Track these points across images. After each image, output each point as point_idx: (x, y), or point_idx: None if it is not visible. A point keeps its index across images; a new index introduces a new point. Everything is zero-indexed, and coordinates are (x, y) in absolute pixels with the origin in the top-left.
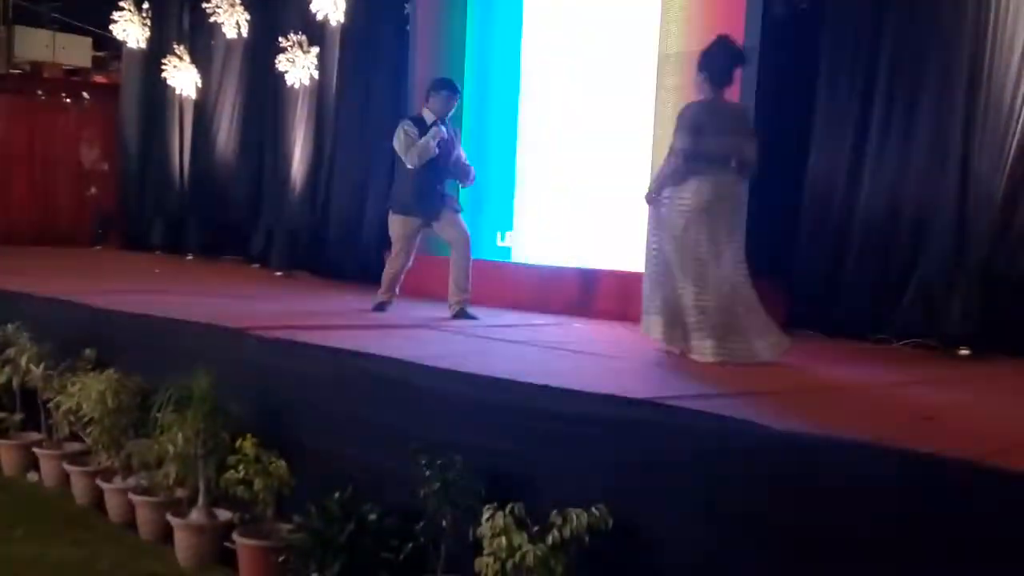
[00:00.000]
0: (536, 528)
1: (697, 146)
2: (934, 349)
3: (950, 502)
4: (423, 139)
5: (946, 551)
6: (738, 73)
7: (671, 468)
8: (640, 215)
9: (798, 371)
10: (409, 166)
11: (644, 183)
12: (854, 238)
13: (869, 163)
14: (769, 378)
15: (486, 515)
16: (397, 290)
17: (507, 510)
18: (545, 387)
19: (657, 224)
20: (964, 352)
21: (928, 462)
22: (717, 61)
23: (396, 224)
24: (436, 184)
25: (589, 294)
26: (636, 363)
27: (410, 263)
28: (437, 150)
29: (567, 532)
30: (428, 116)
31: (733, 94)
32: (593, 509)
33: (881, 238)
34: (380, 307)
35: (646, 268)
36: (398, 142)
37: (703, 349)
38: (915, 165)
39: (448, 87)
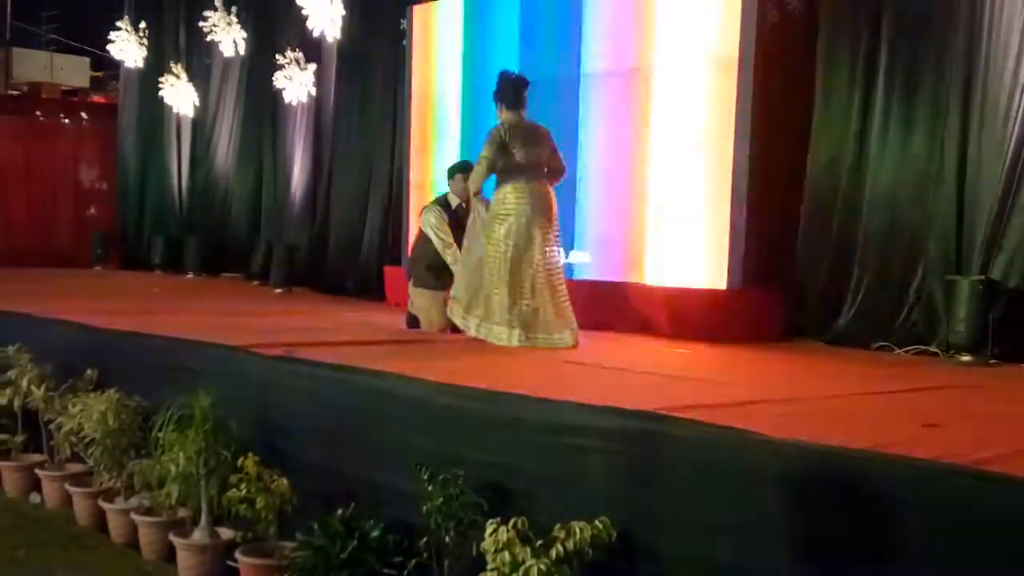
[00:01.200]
0: (539, 542)
1: (507, 160)
2: (936, 356)
3: (955, 509)
4: (452, 254)
5: (951, 559)
6: (526, 93)
7: (674, 480)
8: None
9: (801, 380)
10: (440, 250)
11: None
12: (854, 246)
13: (868, 171)
14: (771, 388)
15: (489, 529)
16: None
17: (510, 524)
18: (546, 400)
19: (479, 227)
20: (966, 359)
21: (932, 470)
22: (506, 90)
23: (419, 296)
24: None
25: (583, 306)
26: (633, 374)
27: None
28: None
29: (571, 545)
30: (453, 200)
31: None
32: (596, 522)
33: (881, 246)
34: (412, 323)
35: (461, 261)
36: (431, 231)
37: (509, 337)
38: (913, 172)
39: (462, 170)
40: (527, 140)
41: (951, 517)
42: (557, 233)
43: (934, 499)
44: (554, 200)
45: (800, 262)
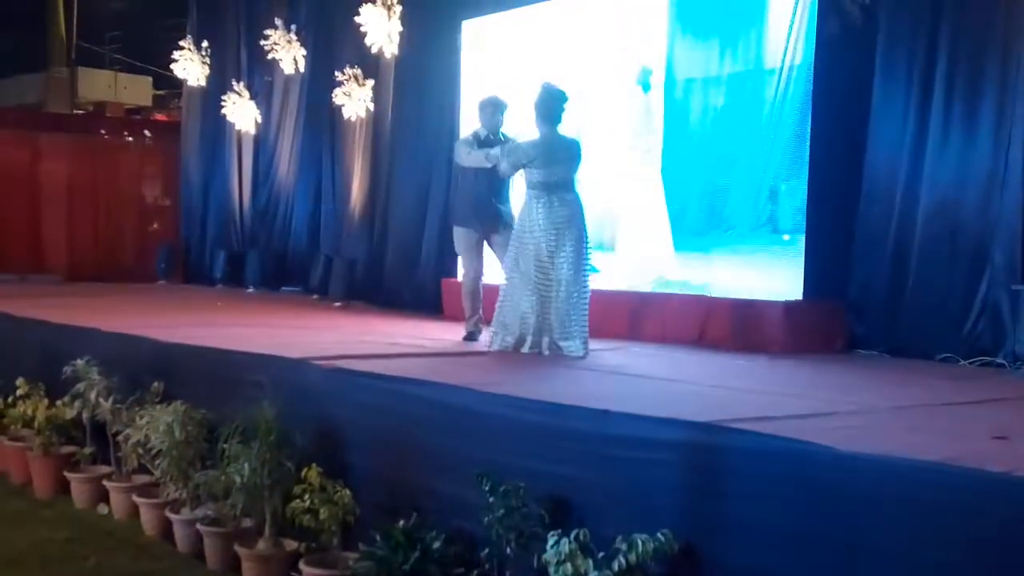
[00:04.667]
0: (601, 555)
1: (532, 175)
2: (1002, 367)
3: None
4: (480, 151)
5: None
6: (563, 109)
7: (736, 492)
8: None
9: (865, 392)
10: (461, 163)
11: None
12: (915, 255)
13: (927, 177)
14: (835, 400)
15: (551, 541)
16: (481, 311)
17: (572, 536)
18: (606, 412)
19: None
20: None
21: (1002, 482)
22: (543, 105)
23: (458, 236)
24: (491, 197)
25: (641, 318)
26: (695, 386)
27: (483, 275)
28: (488, 164)
29: (633, 558)
30: (481, 132)
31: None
32: (659, 534)
33: (943, 253)
34: (471, 336)
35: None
36: (456, 155)
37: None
38: (976, 177)
39: (490, 103)
40: (550, 158)
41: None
42: (583, 244)
43: (1005, 512)
44: (579, 213)
45: (860, 272)
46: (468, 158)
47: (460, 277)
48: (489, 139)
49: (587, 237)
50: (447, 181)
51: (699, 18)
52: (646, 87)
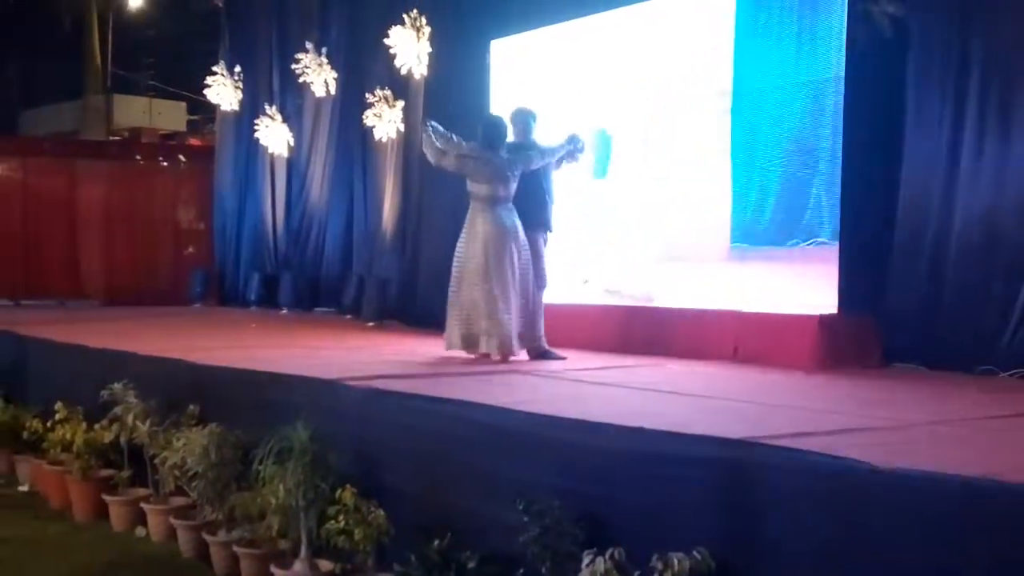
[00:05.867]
0: (637, 573)
1: (472, 188)
2: None
3: None
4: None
5: None
6: (504, 137)
7: (772, 509)
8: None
9: (903, 406)
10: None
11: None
12: (951, 265)
13: (963, 187)
14: (873, 415)
15: (586, 560)
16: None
17: (607, 555)
18: (641, 429)
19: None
20: None
21: None
22: (486, 132)
23: (542, 242)
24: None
25: (674, 333)
26: (730, 402)
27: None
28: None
29: None
30: (514, 142)
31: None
32: (695, 553)
33: (980, 263)
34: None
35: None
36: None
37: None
38: (1012, 184)
39: (520, 113)
40: (491, 175)
41: None
42: (513, 254)
43: None
44: (509, 226)
45: (895, 284)
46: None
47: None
48: (521, 146)
49: (518, 250)
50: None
51: (716, 32)
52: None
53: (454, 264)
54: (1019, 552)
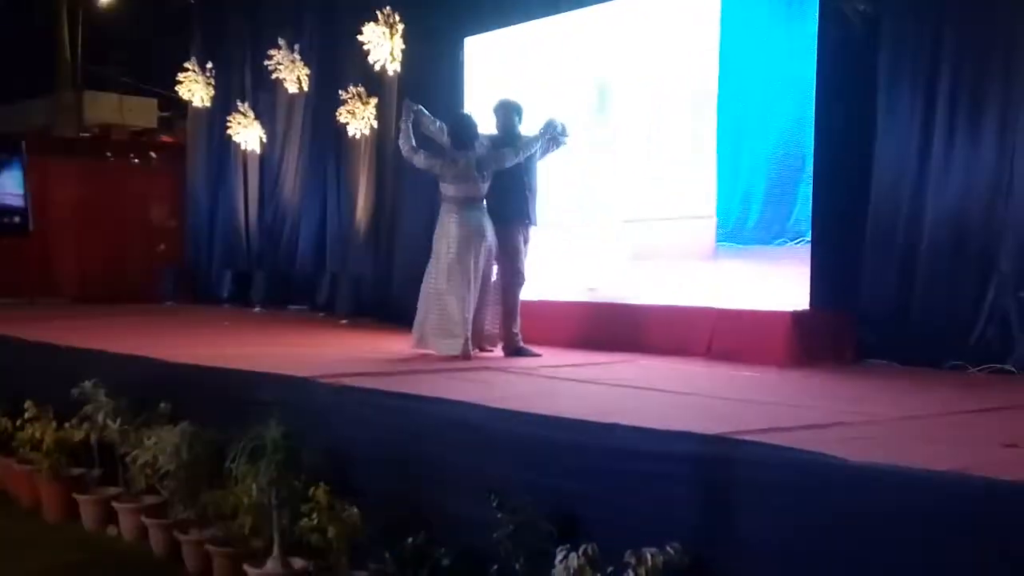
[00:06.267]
0: (610, 569)
1: (443, 189)
2: (1011, 374)
3: None
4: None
5: None
6: (474, 134)
7: (746, 504)
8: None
9: (875, 402)
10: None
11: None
12: (923, 262)
13: (933, 184)
14: (846, 411)
15: (559, 556)
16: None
17: (580, 551)
18: (614, 425)
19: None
20: None
21: (1014, 491)
22: (455, 131)
23: (521, 238)
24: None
25: (648, 330)
26: (704, 398)
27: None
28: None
29: (642, 572)
30: (497, 134)
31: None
32: (668, 548)
33: (951, 261)
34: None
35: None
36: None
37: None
38: (981, 187)
39: (502, 105)
40: (457, 176)
41: None
42: (478, 255)
43: (1017, 522)
44: (475, 227)
45: (868, 281)
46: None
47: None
48: (504, 140)
49: (484, 251)
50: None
51: (699, 30)
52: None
53: (429, 262)
54: (987, 545)
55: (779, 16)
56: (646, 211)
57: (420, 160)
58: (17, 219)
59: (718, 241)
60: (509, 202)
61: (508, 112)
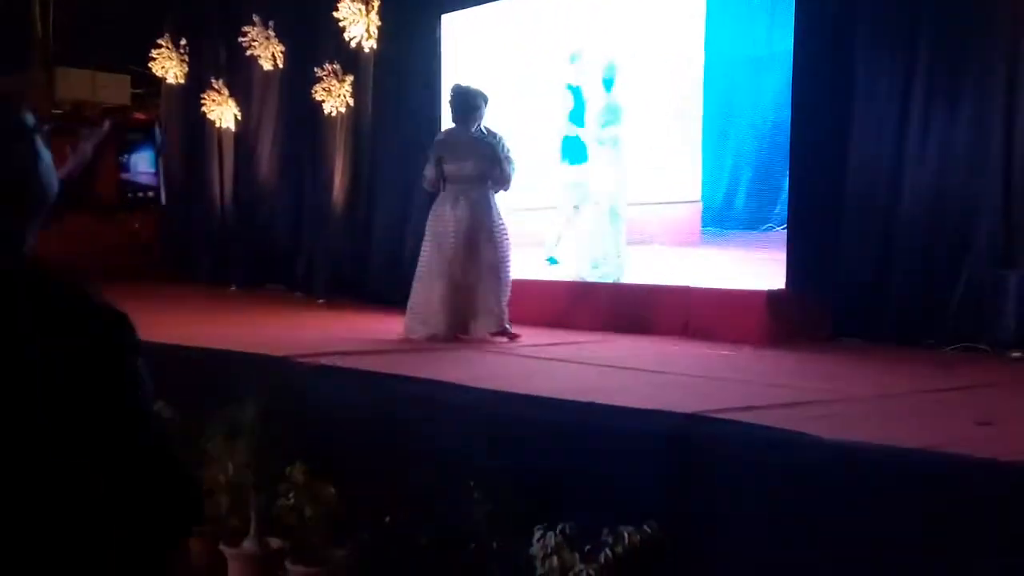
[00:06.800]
0: (588, 547)
1: (440, 171)
2: (985, 353)
3: (1012, 508)
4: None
5: (1009, 558)
6: (474, 108)
7: (722, 482)
8: None
9: (849, 380)
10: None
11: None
12: (898, 241)
13: (909, 164)
14: (820, 389)
15: (537, 535)
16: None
17: (558, 530)
18: (591, 404)
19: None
20: (1016, 355)
21: (987, 468)
22: (452, 104)
23: None
24: None
25: (624, 309)
26: (680, 377)
27: None
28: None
29: (619, 550)
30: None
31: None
32: (645, 526)
33: (925, 240)
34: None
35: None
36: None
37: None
38: (957, 164)
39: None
40: (454, 153)
41: (1009, 516)
42: (491, 236)
43: (989, 498)
44: (486, 208)
45: (843, 260)
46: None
47: None
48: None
49: (499, 230)
50: None
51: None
52: (609, 85)
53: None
54: (959, 521)
55: None
56: (632, 195)
57: (429, 170)
58: (151, 194)
59: (703, 226)
60: None
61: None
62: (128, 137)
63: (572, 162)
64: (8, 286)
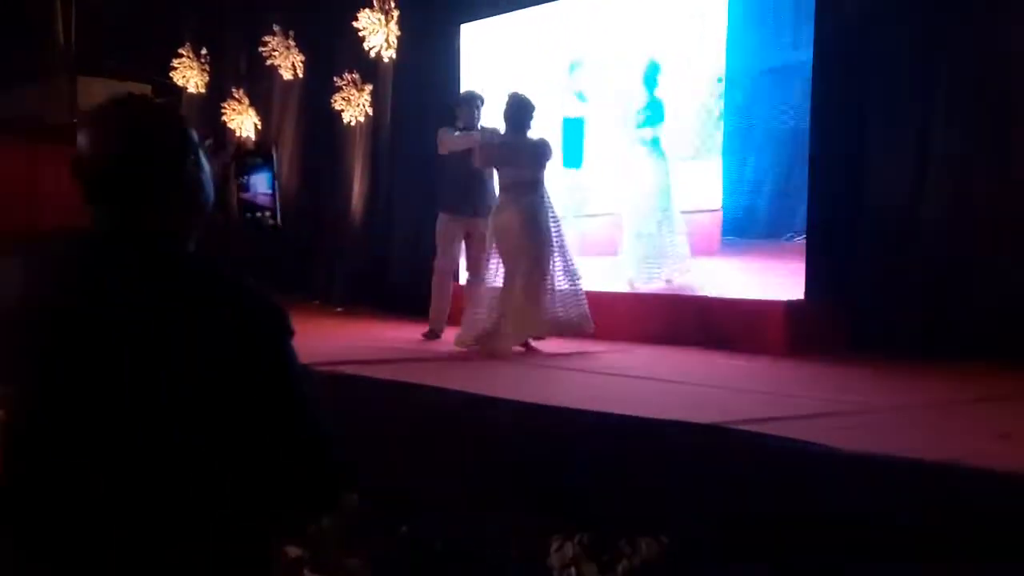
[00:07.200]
0: (605, 558)
1: (502, 176)
2: (1004, 365)
3: None
4: (465, 134)
5: None
6: (527, 118)
7: (739, 493)
8: None
9: (865, 391)
10: (450, 149)
11: None
12: (916, 252)
13: (928, 175)
14: (838, 400)
15: (554, 546)
16: (447, 309)
17: (575, 540)
18: (608, 414)
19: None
20: None
21: (1008, 481)
22: (512, 112)
23: (442, 224)
24: (482, 181)
25: (643, 319)
26: (698, 388)
27: (457, 269)
28: (476, 145)
29: (637, 561)
30: (459, 124)
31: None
32: (662, 537)
33: (944, 251)
34: (432, 335)
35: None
36: (441, 145)
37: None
38: (977, 174)
39: (467, 98)
40: (514, 160)
41: None
42: (540, 244)
43: (1012, 511)
44: (532, 215)
45: (863, 271)
46: (455, 142)
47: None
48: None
49: (552, 235)
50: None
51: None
52: (652, 83)
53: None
54: (979, 534)
55: (786, 4)
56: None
57: (484, 153)
58: (268, 213)
59: (724, 235)
60: (486, 195)
61: (474, 105)
62: (248, 160)
63: (568, 166)
64: (181, 280)
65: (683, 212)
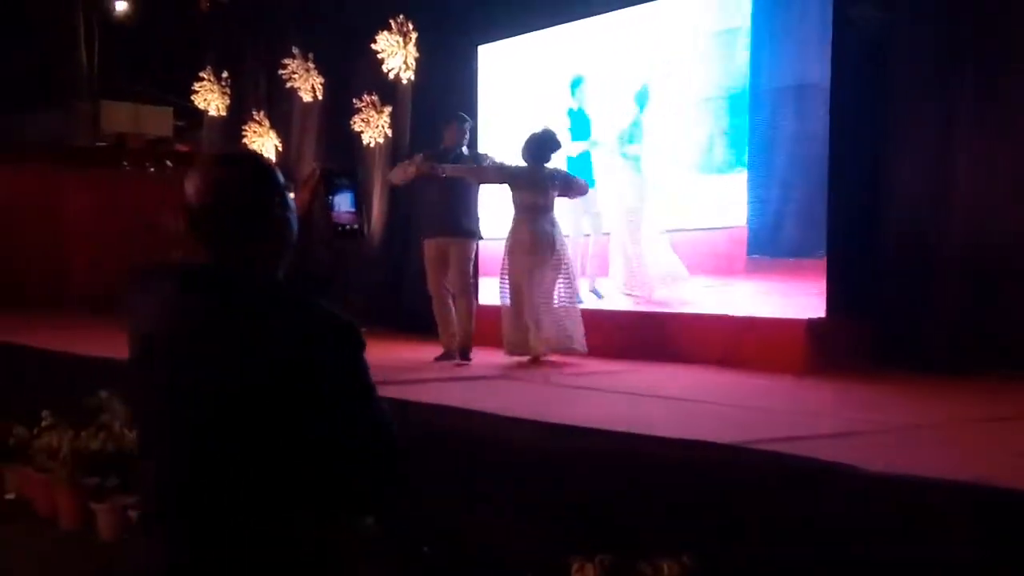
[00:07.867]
0: None
1: (519, 198)
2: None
3: None
4: (401, 164)
5: None
6: (554, 154)
7: (762, 514)
8: None
9: (889, 410)
10: (394, 183)
11: None
12: (938, 268)
13: (950, 192)
14: (862, 419)
15: (575, 567)
16: (454, 329)
17: (596, 561)
18: (630, 434)
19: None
20: None
21: None
22: (538, 146)
23: (423, 248)
24: (453, 208)
25: (664, 338)
26: (720, 407)
27: (446, 290)
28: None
29: None
30: (440, 146)
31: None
32: (683, 558)
33: (966, 268)
34: (445, 356)
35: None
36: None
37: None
38: (998, 188)
39: (455, 119)
40: (533, 185)
41: None
42: (552, 264)
43: None
44: (546, 236)
45: (884, 288)
46: (396, 175)
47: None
48: (448, 152)
49: (561, 254)
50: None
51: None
52: (642, 103)
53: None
54: (1002, 554)
55: (811, 23)
56: (676, 222)
57: (492, 175)
58: (355, 226)
59: (749, 253)
60: (460, 217)
61: (463, 126)
62: (335, 181)
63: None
64: (273, 305)
65: (701, 229)
